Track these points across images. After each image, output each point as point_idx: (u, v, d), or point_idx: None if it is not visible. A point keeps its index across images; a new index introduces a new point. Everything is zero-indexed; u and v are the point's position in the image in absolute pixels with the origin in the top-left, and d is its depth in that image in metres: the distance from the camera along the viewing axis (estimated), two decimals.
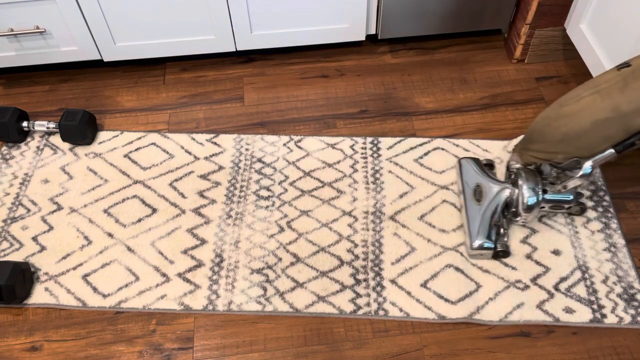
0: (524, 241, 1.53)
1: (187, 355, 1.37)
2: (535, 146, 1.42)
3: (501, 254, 1.46)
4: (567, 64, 2.00)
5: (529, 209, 1.43)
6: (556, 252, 1.50)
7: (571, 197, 1.46)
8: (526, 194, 1.42)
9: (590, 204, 1.60)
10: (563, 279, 1.46)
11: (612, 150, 1.30)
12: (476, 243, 1.44)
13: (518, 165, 1.49)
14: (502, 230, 1.49)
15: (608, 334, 1.37)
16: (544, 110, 1.40)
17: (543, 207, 1.48)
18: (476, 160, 1.59)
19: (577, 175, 1.36)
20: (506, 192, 1.47)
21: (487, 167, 1.62)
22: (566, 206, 1.48)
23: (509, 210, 1.49)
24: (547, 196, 1.45)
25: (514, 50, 1.98)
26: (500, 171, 1.67)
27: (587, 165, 1.34)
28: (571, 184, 1.39)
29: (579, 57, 1.99)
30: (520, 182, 1.44)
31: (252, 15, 1.84)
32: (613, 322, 1.38)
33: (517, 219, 1.49)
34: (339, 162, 1.71)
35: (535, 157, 1.44)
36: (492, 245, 1.44)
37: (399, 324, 1.40)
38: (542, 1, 1.80)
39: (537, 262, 1.49)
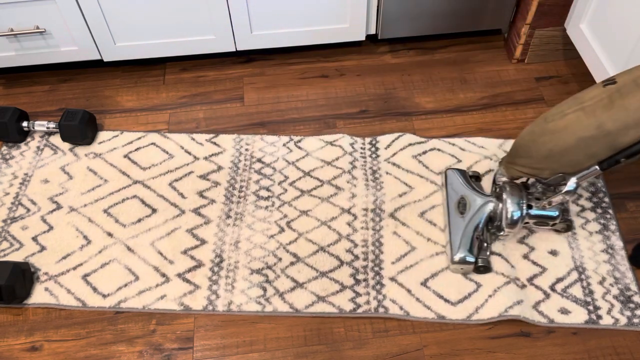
0: (521, 241, 1.53)
1: (187, 355, 1.37)
2: (521, 161, 1.40)
3: (482, 269, 1.44)
4: (567, 64, 2.00)
5: (513, 223, 1.41)
6: (553, 253, 1.50)
7: (556, 213, 1.43)
8: (510, 209, 1.40)
9: (589, 204, 1.60)
10: (559, 280, 1.46)
11: (596, 167, 1.29)
12: (457, 256, 1.42)
13: (504, 179, 1.47)
14: (484, 245, 1.47)
15: (608, 334, 1.37)
16: (529, 125, 1.38)
17: (527, 223, 1.46)
18: (462, 172, 1.57)
19: (562, 192, 1.35)
20: (490, 206, 1.45)
21: (473, 179, 1.58)
22: (551, 222, 1.45)
23: (492, 224, 1.48)
24: (532, 211, 1.43)
25: (514, 50, 1.98)
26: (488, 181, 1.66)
27: (572, 182, 1.32)
28: (556, 199, 1.38)
29: (579, 57, 1.99)
30: (504, 196, 1.42)
31: (252, 15, 1.84)
32: (608, 323, 1.38)
33: (500, 233, 1.47)
34: (338, 158, 1.71)
35: (521, 172, 1.42)
36: (473, 259, 1.42)
37: (399, 323, 1.40)
38: (542, 1, 1.80)
39: (534, 262, 1.49)
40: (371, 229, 1.56)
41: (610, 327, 1.38)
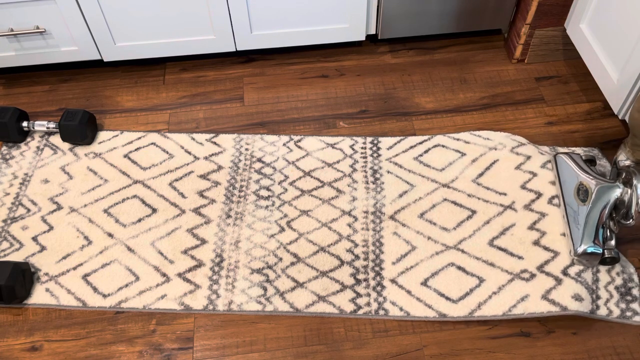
0: (531, 227, 1.51)
1: (187, 355, 1.37)
2: None
3: (608, 260, 1.34)
4: (567, 64, 2.00)
5: None
6: (565, 235, 1.47)
7: None
8: None
9: None
10: (571, 264, 1.43)
11: None
12: (581, 248, 1.33)
13: (628, 162, 1.35)
14: (608, 234, 1.35)
15: (608, 334, 1.37)
16: (635, 101, 1.27)
17: None
18: (575, 156, 1.45)
19: None
20: (617, 192, 1.33)
21: (587, 162, 1.44)
22: None
23: (617, 212, 1.35)
24: None
25: (514, 50, 1.98)
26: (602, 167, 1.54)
27: None
28: None
29: (579, 57, 1.99)
30: (635, 181, 1.29)
31: (252, 15, 1.84)
32: (603, 314, 1.37)
33: (629, 221, 1.33)
34: (338, 161, 1.71)
35: None
36: (599, 251, 1.32)
37: (399, 323, 1.40)
38: (542, 1, 1.80)
39: (545, 248, 1.46)
40: (371, 230, 1.56)
41: (604, 319, 1.37)
